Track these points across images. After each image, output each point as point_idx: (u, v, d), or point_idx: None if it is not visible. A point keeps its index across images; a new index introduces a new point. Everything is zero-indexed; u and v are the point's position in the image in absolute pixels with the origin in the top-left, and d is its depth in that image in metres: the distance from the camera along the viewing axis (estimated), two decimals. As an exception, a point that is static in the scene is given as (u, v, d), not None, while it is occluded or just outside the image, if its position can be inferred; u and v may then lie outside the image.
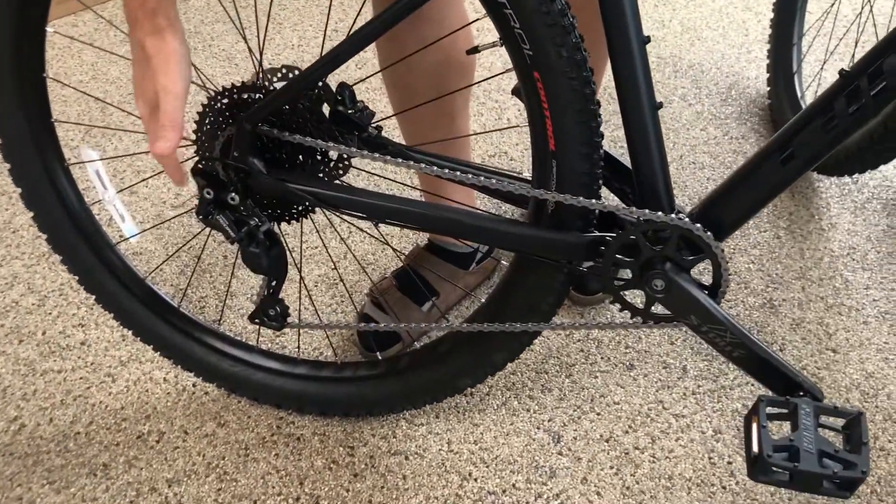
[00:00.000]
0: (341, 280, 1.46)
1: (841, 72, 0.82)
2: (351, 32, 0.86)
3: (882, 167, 1.40)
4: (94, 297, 1.21)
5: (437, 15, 1.11)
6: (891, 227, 1.50)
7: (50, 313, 1.45)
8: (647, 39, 0.85)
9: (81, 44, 2.15)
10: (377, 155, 0.93)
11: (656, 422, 1.23)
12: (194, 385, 1.32)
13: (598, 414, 1.24)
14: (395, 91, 1.27)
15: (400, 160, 0.94)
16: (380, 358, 1.24)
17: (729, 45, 2.00)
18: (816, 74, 1.74)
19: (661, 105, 0.87)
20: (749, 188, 0.88)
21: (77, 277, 1.19)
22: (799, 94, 1.66)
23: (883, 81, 0.79)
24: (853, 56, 1.76)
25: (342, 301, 1.44)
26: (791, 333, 1.33)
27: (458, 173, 0.93)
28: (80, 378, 1.34)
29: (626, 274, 0.94)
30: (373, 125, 0.97)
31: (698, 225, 0.87)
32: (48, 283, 1.50)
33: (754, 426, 0.84)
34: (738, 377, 1.27)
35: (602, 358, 1.32)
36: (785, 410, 0.87)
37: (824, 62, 1.77)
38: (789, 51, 1.70)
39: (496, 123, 1.81)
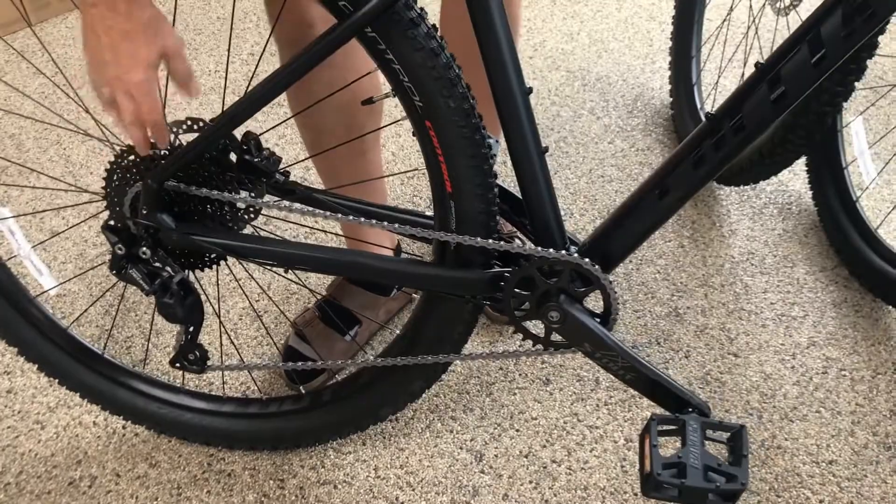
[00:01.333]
0: (260, 319, 1.49)
1: (707, 115, 0.89)
2: (250, 86, 0.90)
3: (778, 171, 1.48)
4: (16, 349, 1.22)
5: (342, 59, 1.14)
6: (786, 230, 1.59)
7: (-27, 362, 1.45)
8: (530, 90, 0.90)
9: (-6, 79, 2.12)
10: (284, 204, 0.97)
11: (572, 434, 1.29)
12: (124, 427, 1.34)
13: (518, 430, 1.30)
14: (307, 132, 1.30)
15: (305, 207, 0.98)
16: (303, 392, 1.28)
17: (634, 55, 2.08)
18: (714, 85, 1.82)
19: (547, 149, 0.93)
20: (632, 223, 0.95)
21: (-3, 331, 1.20)
22: (698, 105, 1.74)
23: (745, 128, 0.86)
24: (742, 75, 1.84)
25: (267, 334, 1.47)
26: (695, 340, 1.41)
27: (363, 218, 0.97)
28: (8, 427, 1.35)
29: (527, 305, 0.99)
30: (280, 171, 1.01)
31: (587, 259, 0.93)
32: (-30, 331, 1.49)
33: (646, 445, 0.91)
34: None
35: (520, 374, 1.37)
36: (675, 427, 0.93)
37: (719, 74, 1.85)
38: (688, 63, 1.78)
39: (414, 155, 1.86)
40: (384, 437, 1.30)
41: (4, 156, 1.87)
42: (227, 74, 2.10)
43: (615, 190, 1.70)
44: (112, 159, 0.97)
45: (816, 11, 0.81)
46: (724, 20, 1.81)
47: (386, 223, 0.96)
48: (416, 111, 0.89)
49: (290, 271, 1.08)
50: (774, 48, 0.85)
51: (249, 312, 1.51)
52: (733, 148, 0.87)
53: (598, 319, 0.97)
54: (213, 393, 1.30)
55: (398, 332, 1.18)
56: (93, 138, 1.24)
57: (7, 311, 1.19)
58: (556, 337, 1.00)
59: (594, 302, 0.97)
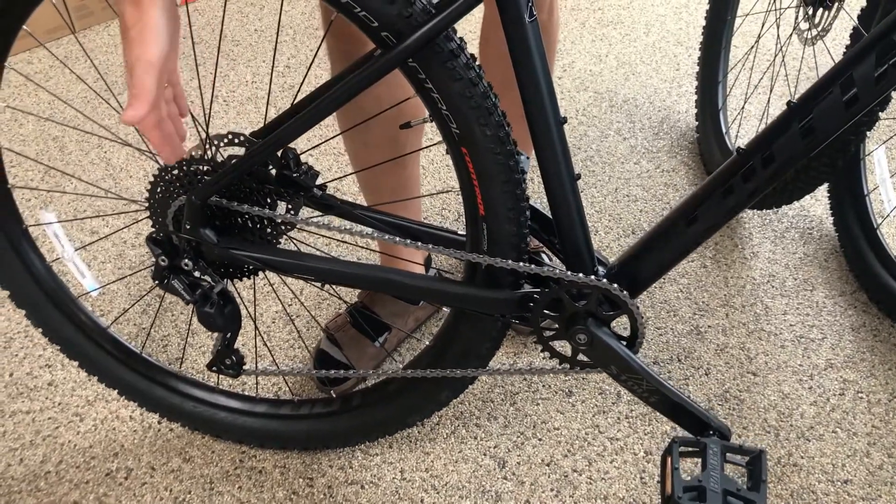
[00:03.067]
0: (293, 323, 1.54)
1: (738, 149, 0.92)
2: (295, 101, 0.93)
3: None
4: (59, 347, 1.27)
5: (391, 77, 1.18)
6: (807, 255, 1.62)
7: (16, 355, 1.50)
8: (564, 120, 0.94)
9: (37, 83, 2.19)
10: (321, 223, 1.00)
11: (593, 445, 1.33)
12: (160, 422, 1.39)
13: (540, 439, 1.34)
14: (352, 144, 1.35)
15: (343, 223, 1.02)
16: (333, 396, 1.32)
17: (661, 79, 2.12)
18: (740, 111, 1.85)
19: (579, 176, 0.97)
20: (659, 250, 0.98)
21: (41, 329, 1.25)
22: (724, 130, 1.77)
23: (774, 163, 0.89)
24: (768, 101, 1.87)
25: (299, 337, 1.52)
26: (715, 358, 1.45)
27: (398, 237, 1.01)
28: (49, 418, 1.40)
29: (555, 325, 1.03)
30: (317, 185, 1.04)
31: (615, 285, 0.97)
32: (13, 324, 1.55)
33: (668, 466, 0.94)
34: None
35: (543, 386, 1.42)
36: (696, 449, 0.97)
37: (745, 100, 1.88)
38: (715, 88, 1.81)
39: (443, 170, 1.90)
40: (410, 441, 1.34)
41: (48, 157, 1.93)
42: (269, 89, 2.15)
43: (640, 209, 1.74)
44: (155, 171, 1.01)
45: (850, 54, 0.84)
46: (752, 47, 1.84)
47: (420, 243, 1.00)
48: (453, 138, 0.93)
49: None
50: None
51: (282, 316, 1.56)
52: (762, 181, 0.90)
53: (625, 343, 1.01)
54: (246, 393, 1.34)
55: (427, 342, 1.22)
56: (133, 147, 1.29)
57: (52, 313, 1.24)
58: (582, 357, 1.04)
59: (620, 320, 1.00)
